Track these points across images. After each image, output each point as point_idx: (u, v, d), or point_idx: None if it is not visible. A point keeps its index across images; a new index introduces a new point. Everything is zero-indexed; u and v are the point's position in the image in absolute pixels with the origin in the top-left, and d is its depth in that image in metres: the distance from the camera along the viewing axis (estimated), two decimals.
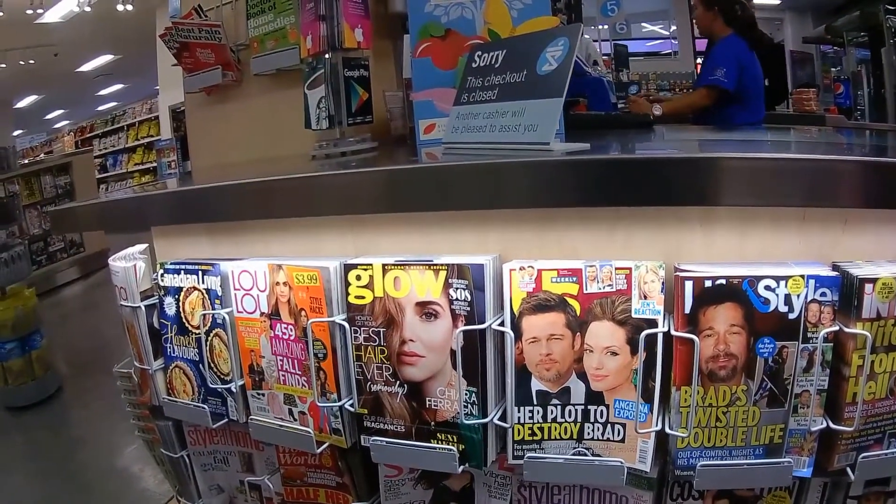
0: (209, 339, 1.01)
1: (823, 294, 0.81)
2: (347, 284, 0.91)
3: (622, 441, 0.87)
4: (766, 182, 0.83)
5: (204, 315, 0.99)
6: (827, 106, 4.35)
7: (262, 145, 1.49)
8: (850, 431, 0.82)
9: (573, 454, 0.88)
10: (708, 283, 0.80)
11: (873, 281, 0.79)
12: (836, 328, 0.81)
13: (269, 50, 1.55)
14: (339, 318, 0.91)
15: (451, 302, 0.86)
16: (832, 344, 0.82)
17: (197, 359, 1.03)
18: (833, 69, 4.95)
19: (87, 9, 6.23)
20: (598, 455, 0.88)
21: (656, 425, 0.85)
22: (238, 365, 1.00)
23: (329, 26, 1.16)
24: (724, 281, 0.80)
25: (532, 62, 0.92)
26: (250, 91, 1.65)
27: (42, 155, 10.48)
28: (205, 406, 1.02)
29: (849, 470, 0.86)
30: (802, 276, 0.80)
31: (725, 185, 0.84)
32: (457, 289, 0.86)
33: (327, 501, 1.06)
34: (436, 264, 0.86)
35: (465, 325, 0.85)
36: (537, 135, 0.86)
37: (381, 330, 0.90)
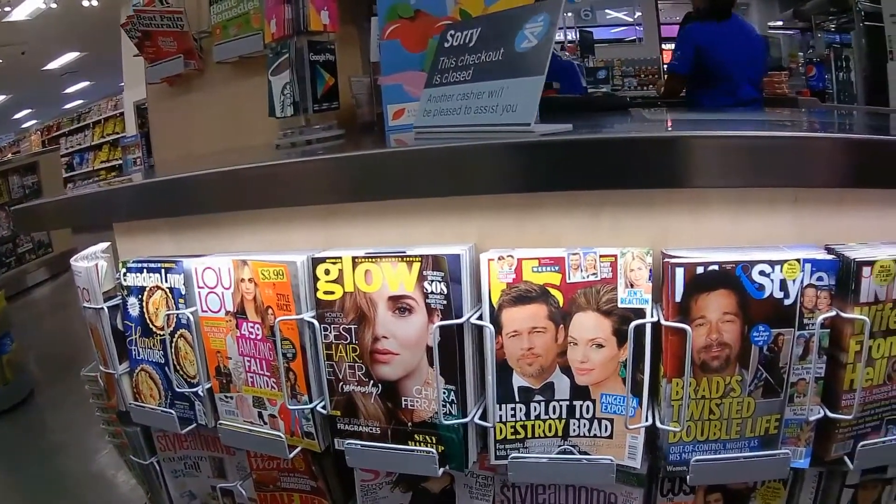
0: (174, 340, 0.92)
1: (820, 278, 0.75)
2: (316, 279, 0.83)
3: (610, 437, 0.80)
4: (757, 162, 0.76)
5: (168, 315, 0.91)
6: (797, 89, 4.33)
7: (227, 135, 1.40)
8: (848, 420, 0.77)
9: (559, 452, 0.81)
10: (700, 270, 0.72)
11: (871, 264, 0.74)
12: (834, 314, 0.75)
13: (232, 36, 1.46)
14: (308, 316, 0.83)
15: (425, 295, 0.78)
16: (828, 330, 0.76)
17: (162, 361, 0.94)
18: (800, 53, 5.01)
19: (54, 5, 6.04)
20: (586, 452, 0.80)
21: (646, 420, 0.78)
22: (204, 367, 0.91)
23: (294, 9, 1.08)
24: (716, 267, 0.73)
25: (510, 39, 0.83)
26: (213, 80, 1.56)
27: (10, 155, 9.81)
28: (172, 411, 0.94)
29: (847, 459, 0.81)
30: (798, 261, 0.74)
31: (715, 165, 0.77)
32: (432, 281, 0.78)
33: None
34: (409, 256, 0.78)
35: (442, 319, 0.78)
36: (517, 115, 0.77)
37: (353, 327, 0.82)
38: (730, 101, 2.65)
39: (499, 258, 0.76)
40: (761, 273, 0.73)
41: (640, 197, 0.78)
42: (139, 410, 0.97)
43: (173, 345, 0.93)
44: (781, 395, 0.77)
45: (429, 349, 0.79)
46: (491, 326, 0.76)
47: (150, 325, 0.95)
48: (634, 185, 0.75)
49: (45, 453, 2.41)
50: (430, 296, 0.78)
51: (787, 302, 0.74)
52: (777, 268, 0.73)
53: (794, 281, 0.74)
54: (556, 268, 0.76)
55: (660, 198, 0.78)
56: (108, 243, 0.98)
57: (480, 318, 0.78)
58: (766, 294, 0.74)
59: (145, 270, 0.93)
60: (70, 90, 10.94)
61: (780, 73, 3.88)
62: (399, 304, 0.80)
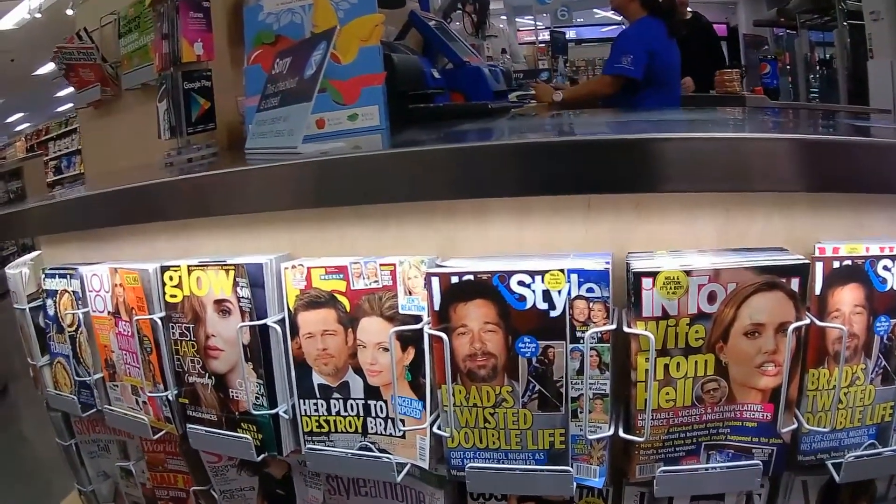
0: (77, 336, 1.09)
1: (591, 290, 0.73)
2: (164, 284, 0.95)
3: (403, 437, 0.84)
4: (540, 168, 0.76)
5: (70, 314, 1.08)
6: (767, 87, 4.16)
7: (142, 152, 1.56)
8: (642, 442, 0.74)
9: (360, 448, 0.86)
10: (455, 280, 0.74)
11: (653, 275, 0.71)
12: (611, 327, 0.74)
13: (136, 66, 1.64)
14: (157, 316, 0.95)
15: (239, 299, 0.88)
16: (609, 345, 0.75)
17: (70, 354, 1.11)
18: (787, 52, 4.67)
19: (38, 15, 6.21)
20: (385, 450, 0.85)
21: (430, 423, 0.82)
22: (96, 359, 1.07)
23: (170, 44, 1.23)
24: (471, 277, 0.74)
25: (302, 67, 0.92)
26: (127, 104, 1.76)
27: None
28: (75, 397, 1.11)
29: (655, 483, 0.77)
30: (562, 271, 0.73)
31: (499, 174, 0.76)
32: (242, 287, 0.87)
33: (185, 486, 1.11)
34: (226, 264, 0.88)
35: (249, 320, 0.87)
36: (288, 140, 0.86)
37: (191, 326, 0.93)
38: (667, 103, 2.53)
39: (292, 267, 0.84)
40: (521, 283, 0.74)
41: (424, 207, 0.82)
42: (55, 397, 1.15)
43: (78, 340, 1.09)
44: (562, 409, 0.76)
45: (244, 346, 0.88)
46: (278, 328, 0.84)
47: (62, 323, 1.11)
48: (410, 198, 0.80)
49: (11, 444, 2.58)
50: (242, 300, 0.87)
51: (554, 314, 0.73)
52: (538, 278, 0.73)
53: (559, 292, 0.74)
54: (341, 276, 0.82)
55: (442, 207, 0.82)
56: (39, 252, 1.17)
57: (283, 321, 0.86)
58: (529, 305, 0.74)
59: (56, 276, 1.10)
60: (61, 94, 10.46)
61: (732, 71, 3.64)
62: (222, 307, 0.89)
